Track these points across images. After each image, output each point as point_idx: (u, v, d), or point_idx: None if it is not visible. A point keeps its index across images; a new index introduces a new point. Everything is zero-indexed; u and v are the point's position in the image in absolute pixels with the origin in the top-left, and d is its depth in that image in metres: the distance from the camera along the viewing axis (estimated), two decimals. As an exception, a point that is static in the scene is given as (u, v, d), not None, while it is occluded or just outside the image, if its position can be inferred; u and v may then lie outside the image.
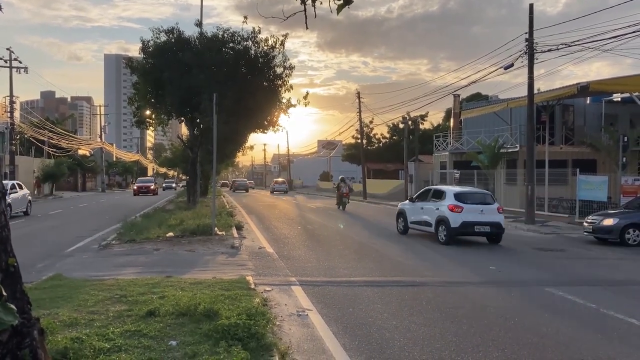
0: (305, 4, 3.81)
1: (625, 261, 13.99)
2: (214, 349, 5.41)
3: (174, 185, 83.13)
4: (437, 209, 16.64)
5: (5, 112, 44.18)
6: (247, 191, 68.76)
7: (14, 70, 44.48)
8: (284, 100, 25.16)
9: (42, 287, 8.52)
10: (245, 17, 23.36)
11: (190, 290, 8.10)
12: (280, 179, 73.90)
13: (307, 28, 3.91)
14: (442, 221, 16.27)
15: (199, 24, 24.92)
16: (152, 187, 57.12)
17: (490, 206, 16.42)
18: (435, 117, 64.58)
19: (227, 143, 32.22)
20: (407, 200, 19.98)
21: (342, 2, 3.59)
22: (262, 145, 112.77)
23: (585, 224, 17.83)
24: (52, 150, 58.05)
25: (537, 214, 23.46)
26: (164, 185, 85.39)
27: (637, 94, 26.21)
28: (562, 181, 26.32)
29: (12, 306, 2.78)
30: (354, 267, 11.96)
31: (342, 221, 24.31)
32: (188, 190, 30.80)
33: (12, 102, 44.80)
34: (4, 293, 2.81)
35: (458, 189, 18.14)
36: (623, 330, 7.27)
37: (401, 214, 19.09)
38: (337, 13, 3.57)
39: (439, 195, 17.22)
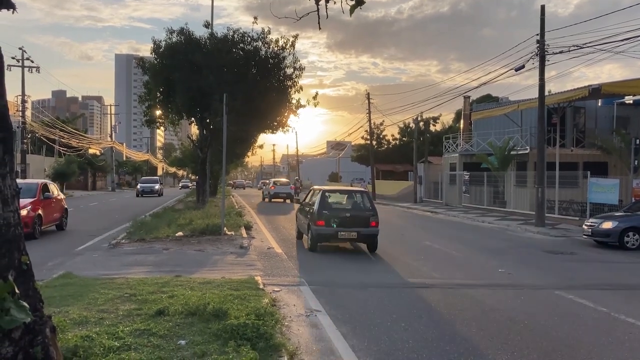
0: (318, 5, 3.81)
1: (638, 265, 13.87)
2: (222, 348, 5.42)
3: (190, 184, 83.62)
4: None
5: (17, 111, 44.52)
6: (244, 189, 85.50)
7: (25, 69, 44.88)
8: (294, 101, 25.20)
9: (52, 285, 8.57)
10: (255, 18, 23.40)
11: (200, 290, 8.12)
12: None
13: (319, 28, 3.92)
14: None
15: (209, 25, 25.00)
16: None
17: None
18: (445, 119, 64.20)
19: (237, 143, 32.33)
20: None
21: (354, 2, 3.58)
22: (271, 146, 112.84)
23: (584, 226, 17.73)
24: (62, 149, 58.41)
25: (547, 217, 23.32)
26: (180, 184, 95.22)
27: (649, 96, 25.99)
28: (572, 184, 26.14)
29: (25, 304, 2.81)
30: (363, 269, 11.94)
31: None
32: (197, 190, 30.91)
33: (23, 101, 45.21)
34: (17, 291, 2.83)
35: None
36: (634, 335, 7.20)
37: None
38: (350, 14, 3.57)
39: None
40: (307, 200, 16.51)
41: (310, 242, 14.57)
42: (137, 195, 49.58)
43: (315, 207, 14.32)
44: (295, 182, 34.78)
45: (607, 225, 16.68)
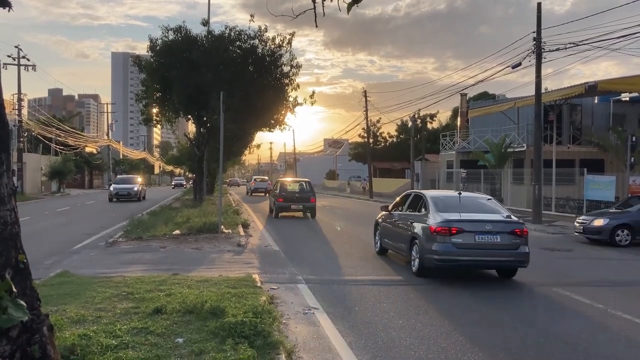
0: (315, 2, 3.81)
1: (634, 262, 13.93)
2: (220, 346, 5.43)
3: (184, 183, 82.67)
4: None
5: (13, 109, 44.39)
6: (238, 186, 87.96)
7: (22, 68, 44.74)
8: (291, 99, 25.18)
9: (49, 284, 8.56)
10: (252, 16, 23.49)
11: (197, 288, 8.12)
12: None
13: (316, 26, 3.92)
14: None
15: (206, 23, 24.94)
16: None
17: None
18: (442, 116, 64.30)
19: (234, 141, 32.29)
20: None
21: (351, 0, 3.58)
22: (268, 144, 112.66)
23: (576, 224, 17.84)
24: (59, 148, 58.27)
25: (544, 214, 23.37)
26: (173, 182, 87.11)
27: (645, 93, 26.06)
28: (569, 181, 26.22)
29: (22, 302, 2.81)
30: (359, 266, 11.95)
31: (348, 220, 24.30)
32: (194, 188, 30.89)
33: (20, 100, 45.05)
34: (14, 289, 2.83)
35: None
36: (631, 331, 7.23)
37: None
38: (348, 12, 3.56)
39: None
40: (275, 188, 26.59)
41: (275, 211, 24.54)
42: (110, 200, 37.91)
43: (277, 191, 25.01)
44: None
45: (599, 222, 16.78)
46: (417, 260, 10.53)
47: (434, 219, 10.19)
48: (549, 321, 7.59)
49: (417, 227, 10.70)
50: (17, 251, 3.07)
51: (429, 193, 11.79)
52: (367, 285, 9.87)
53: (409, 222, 11.34)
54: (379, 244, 13.45)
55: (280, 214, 24.32)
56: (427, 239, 10.13)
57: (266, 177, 64.98)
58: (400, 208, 12.46)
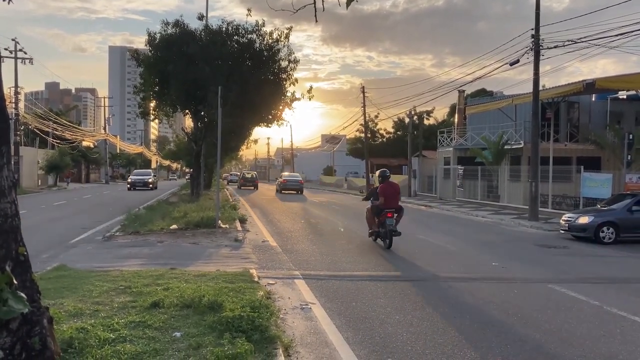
0: (315, -2, 3.82)
1: (629, 259, 13.99)
2: (218, 340, 5.44)
3: (177, 178, 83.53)
4: None
5: (10, 102, 44.23)
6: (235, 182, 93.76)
7: (18, 61, 44.57)
8: (289, 94, 25.16)
9: (47, 277, 8.56)
10: (249, 10, 23.49)
11: (195, 283, 8.14)
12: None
13: (316, 21, 3.92)
14: None
15: (203, 17, 24.86)
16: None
17: None
18: (439, 113, 64.40)
19: (232, 136, 32.26)
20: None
21: (350, -5, 3.58)
22: (265, 139, 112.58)
23: (562, 221, 17.93)
24: (56, 142, 58.13)
25: (541, 211, 23.42)
26: (170, 178, 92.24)
27: (643, 91, 26.10)
28: (566, 178, 26.28)
29: (23, 295, 2.81)
30: (357, 262, 11.98)
31: (344, 216, 24.31)
32: (192, 183, 30.88)
33: (17, 93, 44.93)
34: (15, 282, 2.83)
35: None
36: (626, 328, 7.27)
37: None
38: (347, 7, 3.57)
39: None
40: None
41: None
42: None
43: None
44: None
45: (584, 220, 16.89)
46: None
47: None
48: (544, 317, 7.62)
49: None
50: (17, 244, 3.08)
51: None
52: (364, 280, 9.89)
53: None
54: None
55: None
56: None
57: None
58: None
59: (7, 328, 2.86)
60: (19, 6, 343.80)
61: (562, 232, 17.76)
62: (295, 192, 45.22)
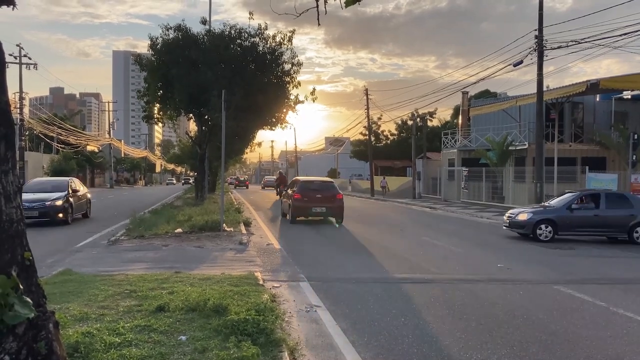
0: (318, 0, 3.82)
1: (636, 259, 13.93)
2: (223, 344, 5.44)
3: (175, 182, 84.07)
4: None
5: (15, 108, 44.45)
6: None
7: (23, 66, 44.78)
8: (292, 97, 25.18)
9: (52, 282, 8.57)
10: (251, 13, 23.62)
11: (200, 286, 8.14)
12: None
13: (319, 25, 3.92)
14: None
15: (206, 21, 24.92)
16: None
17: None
18: (443, 114, 64.35)
19: (235, 140, 32.26)
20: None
21: (350, -3, 3.58)
22: (269, 142, 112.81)
23: (505, 217, 18.05)
24: (61, 146, 58.33)
25: (546, 212, 23.33)
26: (182, 181, 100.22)
27: (647, 91, 26.03)
28: (571, 179, 26.22)
29: (28, 299, 2.82)
30: (362, 264, 11.97)
31: (348, 218, 24.27)
32: (196, 186, 30.90)
33: (21, 98, 45.15)
34: (20, 286, 2.84)
35: None
36: (632, 329, 7.24)
37: None
38: (346, 6, 3.57)
39: None
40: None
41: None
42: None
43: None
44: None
45: (523, 217, 16.97)
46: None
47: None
48: (550, 318, 7.59)
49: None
50: (22, 248, 3.08)
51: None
52: (369, 283, 9.88)
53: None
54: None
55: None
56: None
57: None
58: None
59: (13, 333, 2.86)
60: (23, 12, 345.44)
61: (505, 228, 17.87)
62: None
